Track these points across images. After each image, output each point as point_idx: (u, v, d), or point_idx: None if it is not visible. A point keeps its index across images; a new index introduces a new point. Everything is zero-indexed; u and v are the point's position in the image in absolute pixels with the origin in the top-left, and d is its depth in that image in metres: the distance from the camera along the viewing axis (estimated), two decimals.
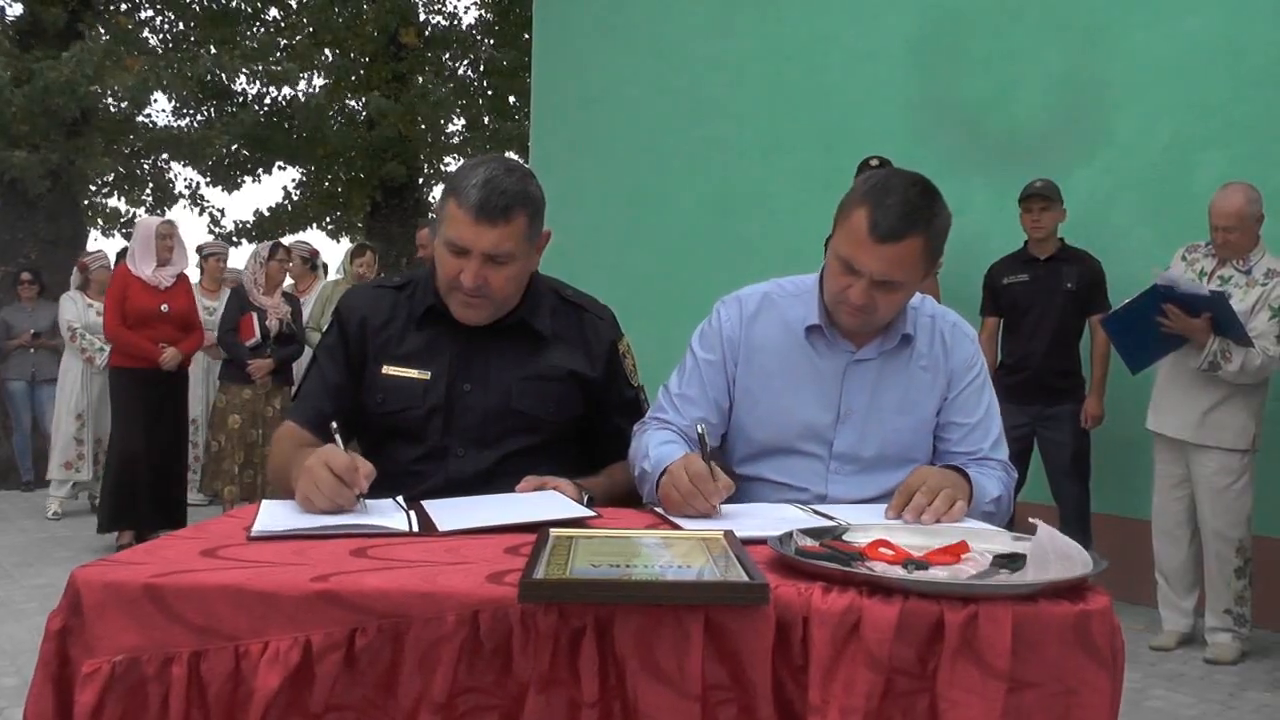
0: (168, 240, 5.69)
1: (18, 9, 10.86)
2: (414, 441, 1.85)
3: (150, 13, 12.86)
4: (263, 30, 13.79)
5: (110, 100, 10.79)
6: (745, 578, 1.12)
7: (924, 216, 1.68)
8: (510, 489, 1.73)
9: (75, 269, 7.55)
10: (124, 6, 12.41)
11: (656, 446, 1.76)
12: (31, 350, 8.02)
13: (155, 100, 11.84)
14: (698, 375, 1.89)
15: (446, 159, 14.87)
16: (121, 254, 7.24)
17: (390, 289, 1.95)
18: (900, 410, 1.83)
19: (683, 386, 1.90)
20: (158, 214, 12.13)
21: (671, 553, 1.25)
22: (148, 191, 12.87)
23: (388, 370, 1.88)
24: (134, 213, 12.71)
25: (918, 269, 1.72)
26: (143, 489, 5.48)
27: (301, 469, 1.55)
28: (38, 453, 8.26)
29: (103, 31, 11.38)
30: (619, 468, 1.92)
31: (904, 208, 1.67)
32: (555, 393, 1.88)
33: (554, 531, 1.35)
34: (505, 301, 1.84)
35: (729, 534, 1.35)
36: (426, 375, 1.87)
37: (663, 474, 1.64)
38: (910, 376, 1.84)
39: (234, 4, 13.24)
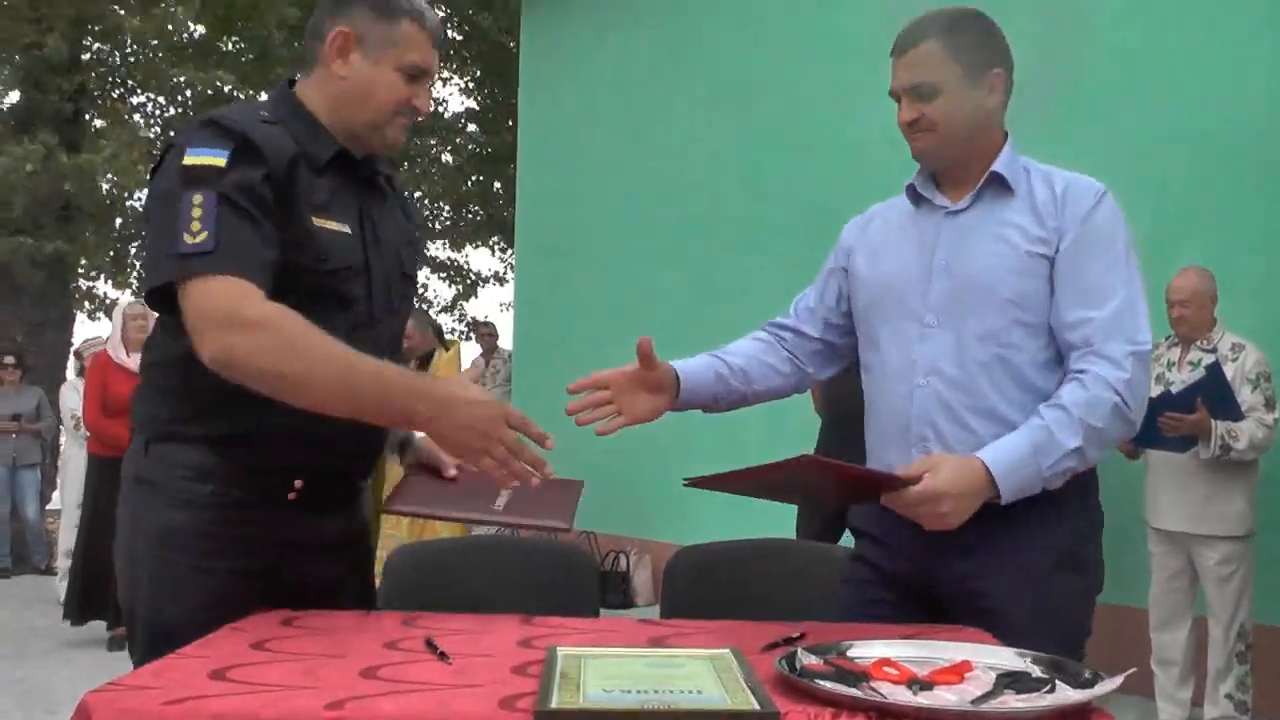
0: (140, 320, 5.30)
1: (14, 96, 11.01)
2: (343, 307, 1.60)
3: (142, 99, 13.02)
4: None
5: (104, 186, 10.84)
6: (755, 705, 1.13)
7: (938, 25, 1.78)
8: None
9: (73, 355, 7.51)
10: (117, 92, 12.57)
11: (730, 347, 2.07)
12: (13, 435, 7.97)
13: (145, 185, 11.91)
14: (819, 283, 2.10)
15: (434, 243, 15.02)
16: None
17: (273, 123, 1.61)
18: (993, 250, 1.78)
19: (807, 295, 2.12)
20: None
21: (681, 675, 1.26)
22: (135, 275, 12.90)
23: (319, 222, 1.60)
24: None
25: (948, 68, 1.77)
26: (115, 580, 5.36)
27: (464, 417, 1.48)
28: (16, 538, 8.14)
29: (96, 118, 11.50)
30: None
31: (915, 23, 1.80)
32: (415, 258, 1.85)
33: (561, 651, 1.36)
34: None
35: (735, 651, 1.37)
36: (346, 229, 1.65)
37: None
38: (1006, 220, 1.79)
39: (226, 89, 13.43)
